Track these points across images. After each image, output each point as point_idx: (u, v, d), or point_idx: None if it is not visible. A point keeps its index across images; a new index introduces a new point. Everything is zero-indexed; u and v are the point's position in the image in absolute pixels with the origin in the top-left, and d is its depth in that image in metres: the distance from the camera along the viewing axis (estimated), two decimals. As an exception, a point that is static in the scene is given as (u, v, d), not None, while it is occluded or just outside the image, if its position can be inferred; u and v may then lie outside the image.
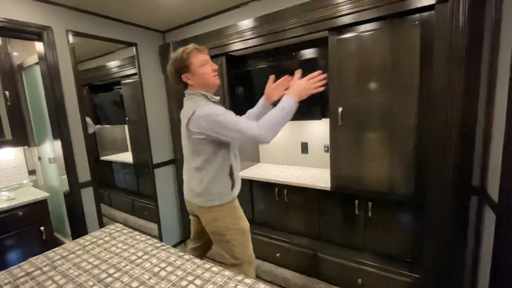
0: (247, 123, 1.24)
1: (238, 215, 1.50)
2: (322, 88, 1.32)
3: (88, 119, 2.59)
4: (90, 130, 2.72)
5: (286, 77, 1.50)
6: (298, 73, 1.36)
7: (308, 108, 2.10)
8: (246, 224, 1.53)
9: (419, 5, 1.39)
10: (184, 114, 1.35)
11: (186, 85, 1.38)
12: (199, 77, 1.33)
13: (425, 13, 1.43)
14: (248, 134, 1.22)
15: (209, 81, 1.36)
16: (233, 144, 1.42)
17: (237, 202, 1.53)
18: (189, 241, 1.73)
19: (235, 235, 1.45)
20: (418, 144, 1.55)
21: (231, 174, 1.43)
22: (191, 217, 1.62)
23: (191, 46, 1.34)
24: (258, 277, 2.28)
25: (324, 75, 1.32)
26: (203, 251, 1.70)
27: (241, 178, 2.33)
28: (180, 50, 1.34)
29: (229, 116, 1.26)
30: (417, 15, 1.45)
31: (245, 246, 1.49)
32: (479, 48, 1.31)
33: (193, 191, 1.44)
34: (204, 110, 1.26)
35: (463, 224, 1.42)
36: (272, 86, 1.54)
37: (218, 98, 1.42)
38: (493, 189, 1.24)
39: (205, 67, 1.34)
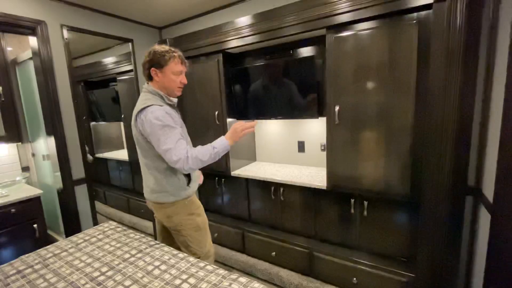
0: (179, 149, 1.24)
1: (193, 211, 1.51)
2: (250, 131, 1.41)
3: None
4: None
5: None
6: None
7: (305, 107, 2.09)
8: (202, 219, 1.56)
9: (416, 4, 1.38)
10: (135, 109, 1.35)
11: (150, 79, 1.39)
12: (166, 80, 1.36)
13: (423, 12, 1.42)
14: (172, 160, 1.25)
15: (173, 89, 1.40)
16: (188, 143, 1.45)
17: (194, 198, 1.55)
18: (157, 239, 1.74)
19: (189, 231, 1.49)
20: (414, 143, 1.55)
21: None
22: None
23: (178, 52, 1.38)
24: (253, 275, 2.27)
25: (255, 123, 1.43)
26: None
27: (237, 177, 2.36)
28: (167, 47, 1.35)
29: (170, 133, 1.25)
30: (415, 14, 1.44)
31: (201, 242, 1.53)
32: (476, 48, 1.31)
33: (149, 188, 1.46)
34: (151, 113, 1.26)
35: (458, 224, 1.43)
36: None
37: (175, 100, 1.46)
38: (489, 189, 1.24)
39: (176, 77, 1.38)
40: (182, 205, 1.46)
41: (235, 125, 1.40)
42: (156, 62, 1.33)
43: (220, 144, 1.34)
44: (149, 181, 1.45)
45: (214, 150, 1.31)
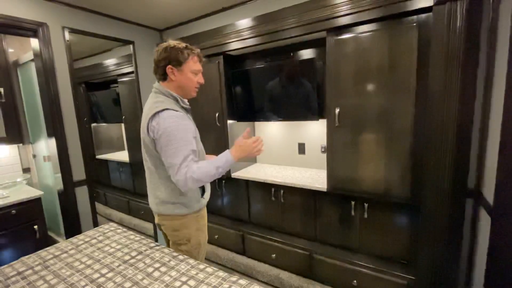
0: (182, 169, 1.14)
1: (200, 226, 1.43)
2: (261, 152, 1.31)
3: None
4: None
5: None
6: (246, 132, 1.33)
7: (306, 109, 2.09)
8: (204, 237, 1.47)
9: (416, 6, 1.39)
10: (146, 113, 1.23)
11: (163, 78, 1.27)
12: (183, 79, 1.26)
13: (423, 15, 1.43)
14: (173, 178, 1.17)
15: (189, 89, 1.30)
16: (199, 153, 1.33)
17: (204, 211, 1.46)
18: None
19: (190, 248, 1.40)
20: (414, 145, 1.55)
21: None
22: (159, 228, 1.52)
23: (197, 50, 1.29)
24: (253, 277, 2.27)
25: (261, 140, 1.32)
26: None
27: (238, 178, 2.35)
28: (184, 44, 1.25)
29: (178, 146, 1.15)
30: (415, 16, 1.45)
31: (197, 259, 1.43)
32: (476, 51, 1.32)
33: (158, 199, 1.34)
34: (164, 119, 1.15)
35: (458, 227, 1.42)
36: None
37: (188, 104, 1.36)
38: (489, 192, 1.24)
39: (194, 76, 1.28)
40: (192, 219, 1.37)
41: (249, 144, 1.26)
42: (173, 59, 1.21)
43: (225, 163, 1.22)
44: (159, 191, 1.32)
45: (218, 171, 1.20)
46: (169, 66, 1.23)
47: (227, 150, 1.27)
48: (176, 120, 1.17)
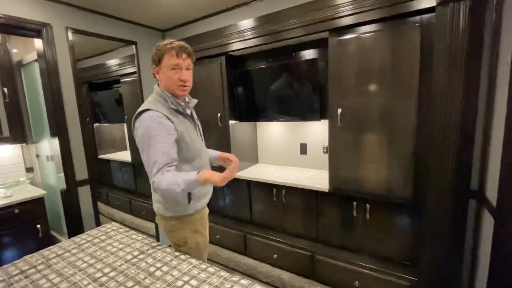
0: (152, 172, 1.10)
1: (198, 228, 1.39)
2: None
3: None
4: None
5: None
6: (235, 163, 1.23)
7: (308, 109, 2.09)
8: (203, 239, 1.44)
9: (419, 7, 1.39)
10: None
11: (156, 78, 1.28)
12: (164, 77, 1.21)
13: (426, 15, 1.42)
14: (150, 178, 1.12)
15: (172, 88, 1.22)
16: (193, 156, 1.29)
17: (202, 215, 1.43)
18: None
19: (188, 250, 1.39)
20: (417, 146, 1.55)
21: None
22: None
23: (176, 43, 1.20)
24: (255, 278, 2.27)
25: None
26: None
27: (239, 178, 2.35)
28: (169, 40, 1.21)
29: (153, 146, 1.10)
30: (418, 17, 1.45)
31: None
32: (479, 51, 1.31)
33: (155, 197, 1.36)
34: (143, 120, 1.13)
35: (461, 228, 1.42)
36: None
37: (183, 104, 1.28)
38: (492, 193, 1.23)
39: (173, 72, 1.19)
40: (186, 221, 1.35)
41: (223, 174, 1.10)
42: (154, 58, 1.21)
43: (189, 185, 1.08)
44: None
45: (183, 192, 1.08)
46: (153, 65, 1.24)
47: (198, 172, 1.11)
48: (151, 123, 1.12)
